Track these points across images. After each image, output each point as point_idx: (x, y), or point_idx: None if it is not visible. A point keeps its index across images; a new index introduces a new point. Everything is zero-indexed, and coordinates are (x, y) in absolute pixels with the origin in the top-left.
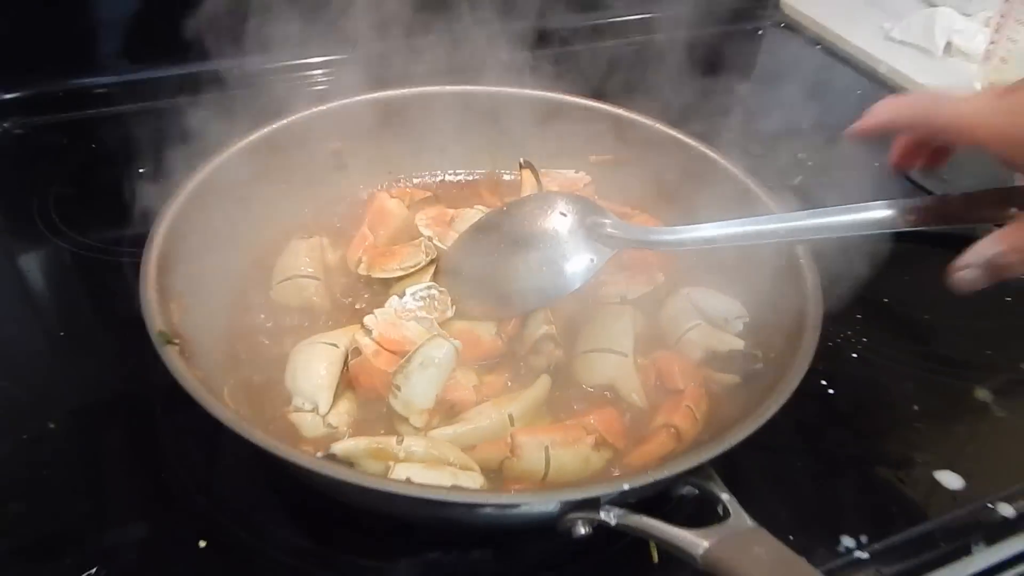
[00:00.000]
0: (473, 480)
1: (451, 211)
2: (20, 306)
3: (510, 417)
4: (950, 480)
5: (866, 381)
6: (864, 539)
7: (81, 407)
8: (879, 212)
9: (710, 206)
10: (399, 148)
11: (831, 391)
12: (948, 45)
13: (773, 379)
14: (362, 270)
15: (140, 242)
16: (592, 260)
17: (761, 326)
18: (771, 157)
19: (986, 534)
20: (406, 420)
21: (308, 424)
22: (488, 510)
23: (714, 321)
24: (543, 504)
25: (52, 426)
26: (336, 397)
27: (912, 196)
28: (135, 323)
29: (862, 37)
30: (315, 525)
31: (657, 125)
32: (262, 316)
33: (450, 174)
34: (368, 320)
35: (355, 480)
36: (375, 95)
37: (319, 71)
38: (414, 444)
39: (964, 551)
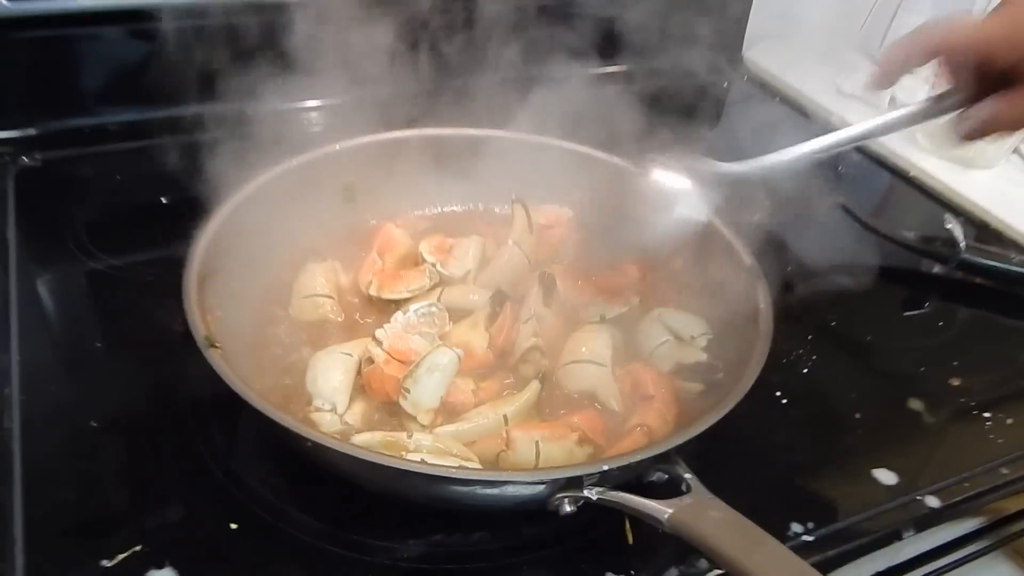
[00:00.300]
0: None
1: (450, 240)
2: (60, 321)
3: (505, 417)
4: (885, 476)
5: (815, 392)
6: (811, 525)
7: (119, 407)
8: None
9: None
10: (403, 183)
11: (784, 400)
12: (892, 99)
13: (731, 386)
14: (372, 291)
15: (165, 263)
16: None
17: (722, 341)
18: (732, 196)
19: (916, 522)
20: (414, 419)
21: (327, 422)
22: (489, 488)
23: (681, 337)
24: (536, 482)
25: (94, 424)
26: (351, 400)
27: (861, 236)
28: (163, 334)
29: (816, 91)
30: (333, 510)
31: (626, 164)
32: (283, 329)
33: (448, 207)
34: (379, 333)
35: (380, 460)
36: (382, 136)
37: (321, 113)
38: (422, 438)
39: (896, 536)
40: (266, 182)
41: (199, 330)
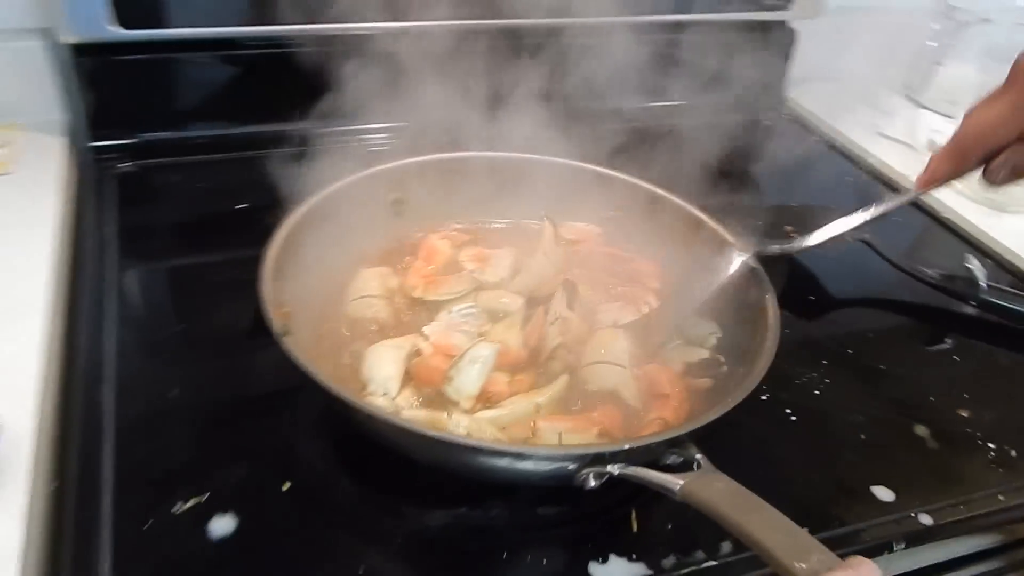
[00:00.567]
0: None
1: (487, 251)
2: (148, 308)
3: (537, 405)
4: (883, 493)
5: (824, 414)
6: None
7: (195, 382)
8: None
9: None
10: (445, 199)
11: (793, 418)
12: (931, 142)
13: (742, 379)
14: (418, 294)
15: (237, 263)
16: None
17: (729, 339)
18: (766, 227)
19: (907, 537)
20: (456, 404)
21: (380, 404)
22: (523, 461)
23: (691, 338)
24: (566, 456)
25: (173, 394)
26: (401, 387)
27: (884, 271)
28: (235, 323)
29: (856, 132)
30: (372, 479)
31: (652, 187)
32: (338, 325)
33: (486, 222)
34: (426, 329)
35: (430, 433)
36: (427, 157)
37: (382, 135)
38: (461, 419)
39: (887, 547)
40: (328, 195)
41: (273, 320)
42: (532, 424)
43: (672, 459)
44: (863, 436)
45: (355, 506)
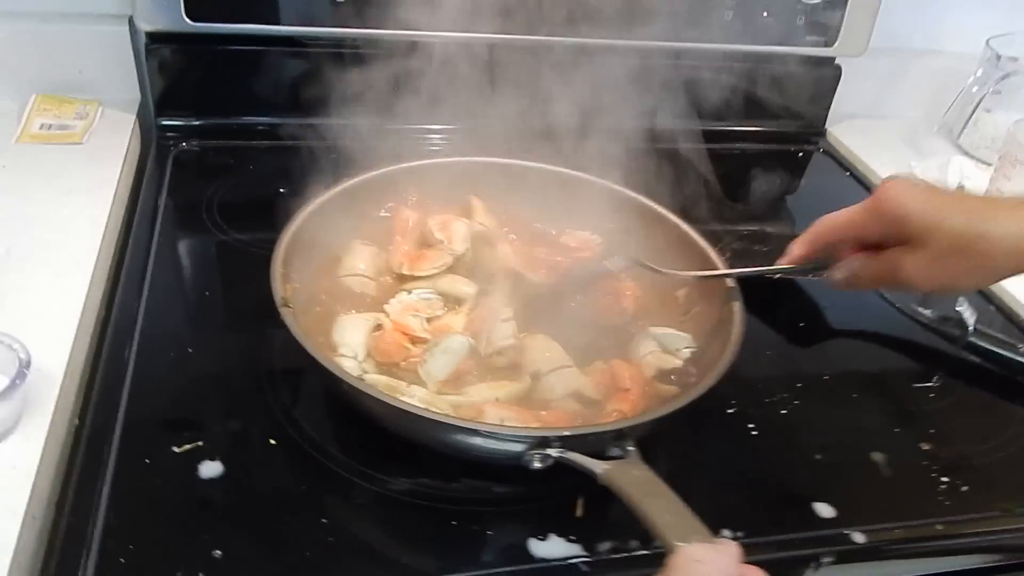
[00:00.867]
0: None
1: (450, 217)
2: (184, 275)
3: (496, 399)
4: (824, 510)
5: (786, 432)
6: (740, 534)
7: (211, 340)
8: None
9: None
10: (447, 199)
11: (755, 433)
12: (960, 187)
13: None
14: (405, 271)
15: (268, 243)
16: None
17: (703, 353)
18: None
19: (837, 552)
20: (424, 385)
21: (350, 366)
22: (475, 438)
23: (667, 348)
24: (513, 435)
25: (190, 351)
26: (366, 354)
27: (880, 307)
28: (258, 294)
29: (888, 171)
30: (352, 443)
31: (647, 202)
32: (335, 300)
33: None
34: (386, 307)
35: (386, 399)
36: (435, 160)
37: (434, 135)
38: (417, 389)
39: (814, 559)
40: (343, 190)
41: (278, 294)
42: (480, 409)
43: (616, 451)
44: (818, 456)
45: (330, 466)
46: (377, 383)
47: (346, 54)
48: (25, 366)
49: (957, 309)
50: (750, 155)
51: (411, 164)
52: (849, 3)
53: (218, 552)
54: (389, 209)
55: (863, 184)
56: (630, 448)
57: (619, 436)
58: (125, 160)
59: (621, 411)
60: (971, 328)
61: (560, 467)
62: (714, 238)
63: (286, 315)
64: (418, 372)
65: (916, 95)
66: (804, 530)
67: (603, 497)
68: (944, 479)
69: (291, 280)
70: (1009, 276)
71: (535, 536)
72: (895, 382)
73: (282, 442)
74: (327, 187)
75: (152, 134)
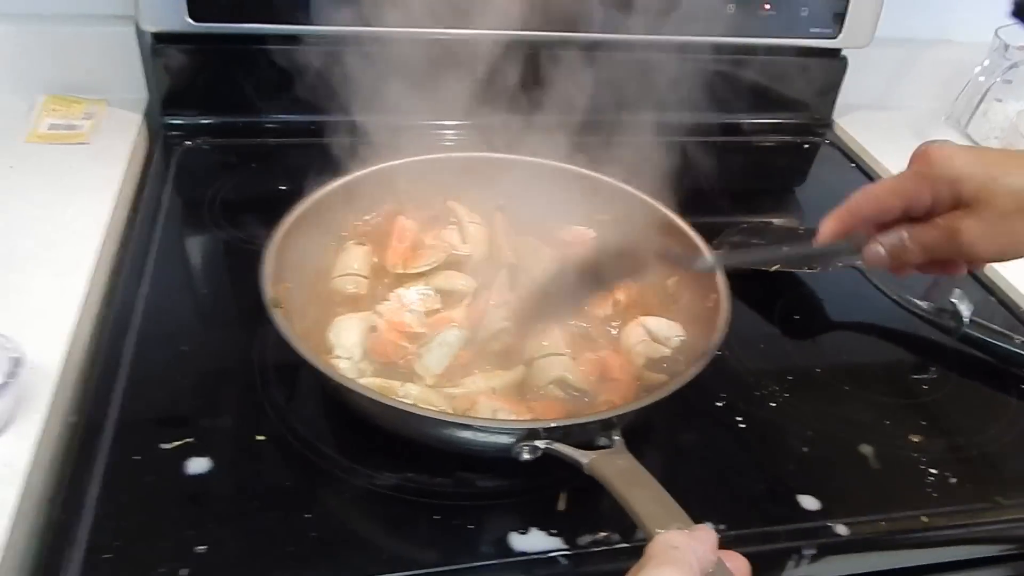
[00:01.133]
0: None
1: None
2: (183, 270)
3: (492, 389)
4: (808, 502)
5: (774, 425)
6: (723, 527)
7: (207, 337)
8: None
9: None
10: (440, 195)
11: (743, 425)
12: None
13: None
14: (400, 269)
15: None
16: None
17: (693, 343)
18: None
19: (819, 544)
20: (423, 379)
21: (346, 367)
22: (466, 432)
23: (657, 338)
24: (503, 428)
25: (184, 348)
26: (362, 355)
27: (874, 298)
28: (254, 293)
29: (896, 162)
30: (339, 440)
31: (638, 194)
32: (328, 300)
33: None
34: (380, 307)
35: (376, 397)
36: (427, 156)
37: (449, 131)
38: (411, 388)
39: (795, 551)
40: (335, 188)
41: (267, 295)
42: (474, 401)
43: (603, 441)
44: (805, 449)
45: (316, 461)
46: (371, 384)
47: (348, 52)
48: (18, 365)
49: (952, 300)
50: (756, 147)
51: (406, 160)
52: None
53: (202, 547)
54: (383, 208)
55: (870, 176)
56: (616, 438)
57: (606, 426)
58: (131, 159)
59: (611, 402)
60: (966, 320)
61: (548, 459)
62: (714, 231)
63: (275, 315)
64: (415, 368)
65: (924, 86)
66: (787, 522)
67: (586, 491)
68: (933, 471)
69: (284, 280)
70: None
71: (516, 530)
72: (889, 375)
73: (270, 438)
74: (321, 185)
75: (157, 134)
